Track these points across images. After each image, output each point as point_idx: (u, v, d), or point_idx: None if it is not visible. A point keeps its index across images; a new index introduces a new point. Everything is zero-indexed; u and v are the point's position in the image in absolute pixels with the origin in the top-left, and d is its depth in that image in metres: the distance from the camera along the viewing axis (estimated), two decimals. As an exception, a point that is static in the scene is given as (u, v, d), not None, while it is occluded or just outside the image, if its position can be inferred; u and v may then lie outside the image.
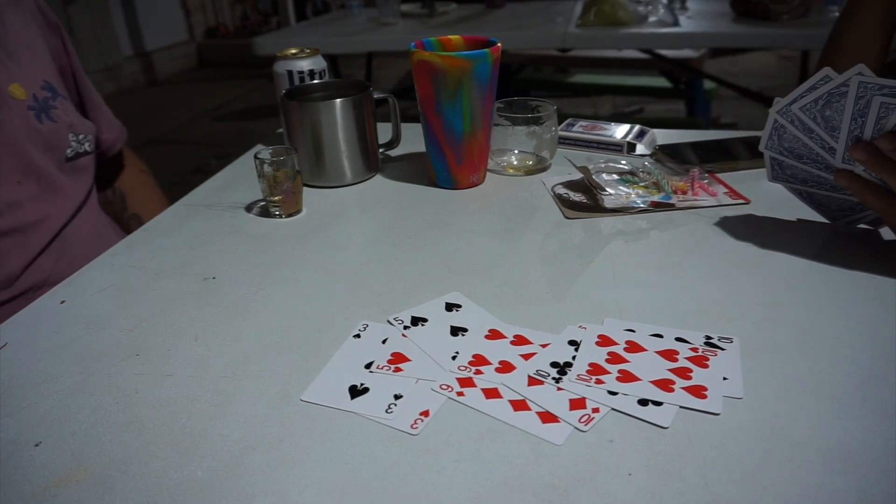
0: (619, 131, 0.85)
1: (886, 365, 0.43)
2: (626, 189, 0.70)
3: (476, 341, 0.47)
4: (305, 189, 0.73)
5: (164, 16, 4.98)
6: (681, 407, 0.40)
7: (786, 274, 0.54)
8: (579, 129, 0.87)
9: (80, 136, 0.80)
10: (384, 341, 0.48)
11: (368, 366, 0.45)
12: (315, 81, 0.83)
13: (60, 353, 0.49)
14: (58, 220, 0.77)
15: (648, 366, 0.43)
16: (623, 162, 0.75)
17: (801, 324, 0.48)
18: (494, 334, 0.48)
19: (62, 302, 0.56)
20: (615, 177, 0.73)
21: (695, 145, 0.82)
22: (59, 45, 0.83)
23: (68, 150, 0.78)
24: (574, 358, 0.45)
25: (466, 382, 0.43)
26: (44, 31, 0.81)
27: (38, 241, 0.75)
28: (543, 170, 0.79)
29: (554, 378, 0.43)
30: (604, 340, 0.46)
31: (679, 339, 0.46)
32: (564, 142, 0.86)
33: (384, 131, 0.83)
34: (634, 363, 0.44)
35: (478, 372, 0.44)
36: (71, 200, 0.79)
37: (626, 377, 0.42)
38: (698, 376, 0.42)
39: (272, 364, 0.46)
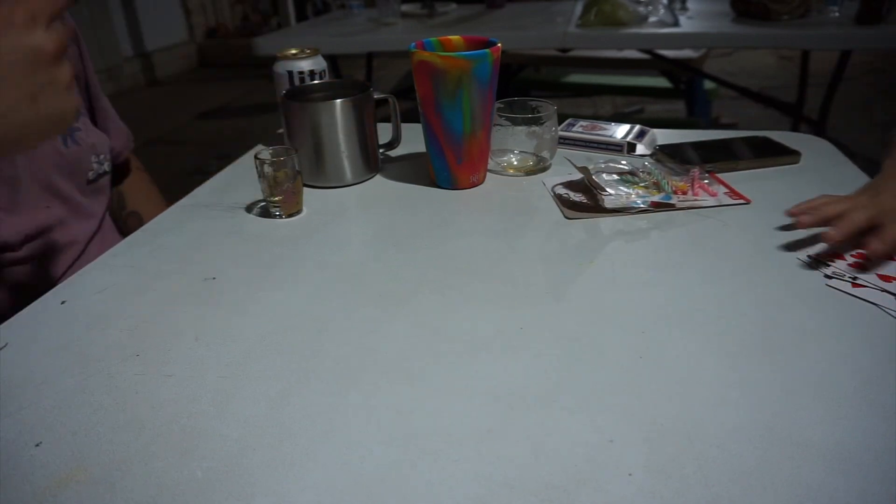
0: (620, 131, 0.85)
1: (886, 365, 0.43)
2: (626, 189, 0.70)
3: None
4: (305, 189, 0.73)
5: (164, 16, 4.98)
6: None
7: (785, 274, 0.54)
8: (579, 129, 0.87)
9: (101, 157, 0.79)
10: None
11: None
12: (315, 82, 0.83)
13: (60, 353, 0.49)
14: (83, 242, 0.77)
15: None
16: (623, 162, 0.75)
17: (801, 324, 0.48)
18: None
19: (62, 302, 0.56)
20: (615, 177, 0.73)
21: (695, 145, 0.82)
22: (76, 53, 0.82)
23: (90, 174, 0.77)
24: None
25: None
26: None
27: (65, 263, 0.75)
28: (543, 170, 0.79)
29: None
30: None
31: None
32: (564, 142, 0.86)
33: (384, 131, 0.83)
34: None
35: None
36: (93, 221, 0.79)
37: None
38: None
39: (272, 364, 0.46)
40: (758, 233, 0.61)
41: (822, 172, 0.75)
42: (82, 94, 0.84)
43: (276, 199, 0.68)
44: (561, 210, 0.68)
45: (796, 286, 0.53)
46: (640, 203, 0.67)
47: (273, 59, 0.84)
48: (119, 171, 0.95)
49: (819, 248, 0.58)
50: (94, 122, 0.86)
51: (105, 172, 0.81)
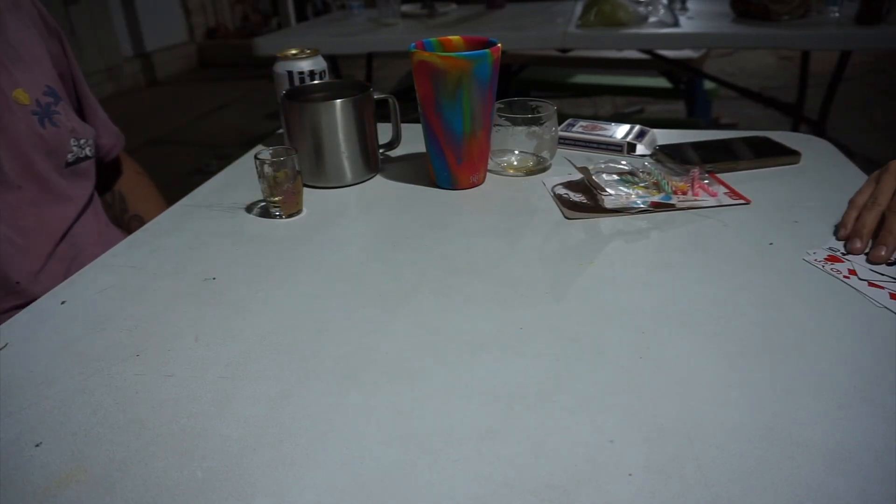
0: (620, 131, 0.85)
1: (886, 365, 0.43)
2: (626, 189, 0.70)
3: None
4: (305, 189, 0.73)
5: (164, 16, 4.98)
6: None
7: (786, 274, 0.55)
8: (579, 129, 0.87)
9: (82, 141, 0.80)
10: None
11: None
12: (315, 82, 0.83)
13: (61, 353, 0.49)
14: (58, 225, 0.77)
15: None
16: (623, 162, 0.75)
17: (801, 324, 0.48)
18: None
19: (62, 302, 0.56)
20: (615, 177, 0.73)
21: (695, 145, 0.82)
22: (59, 51, 0.83)
23: (69, 156, 0.78)
24: None
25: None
26: (44, 37, 0.81)
27: (42, 247, 0.75)
28: (543, 170, 0.79)
29: None
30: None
31: None
32: (564, 142, 0.86)
33: (384, 132, 0.83)
34: None
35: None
36: (73, 205, 0.79)
37: None
38: None
39: (272, 364, 0.46)
40: (758, 233, 0.61)
41: (822, 172, 0.75)
42: (68, 90, 0.84)
43: (276, 199, 0.68)
44: (561, 210, 0.68)
45: (796, 286, 0.53)
46: (640, 203, 0.67)
47: (273, 60, 0.84)
48: (111, 170, 0.95)
49: (822, 251, 0.58)
50: (83, 118, 0.86)
51: (87, 157, 0.81)
